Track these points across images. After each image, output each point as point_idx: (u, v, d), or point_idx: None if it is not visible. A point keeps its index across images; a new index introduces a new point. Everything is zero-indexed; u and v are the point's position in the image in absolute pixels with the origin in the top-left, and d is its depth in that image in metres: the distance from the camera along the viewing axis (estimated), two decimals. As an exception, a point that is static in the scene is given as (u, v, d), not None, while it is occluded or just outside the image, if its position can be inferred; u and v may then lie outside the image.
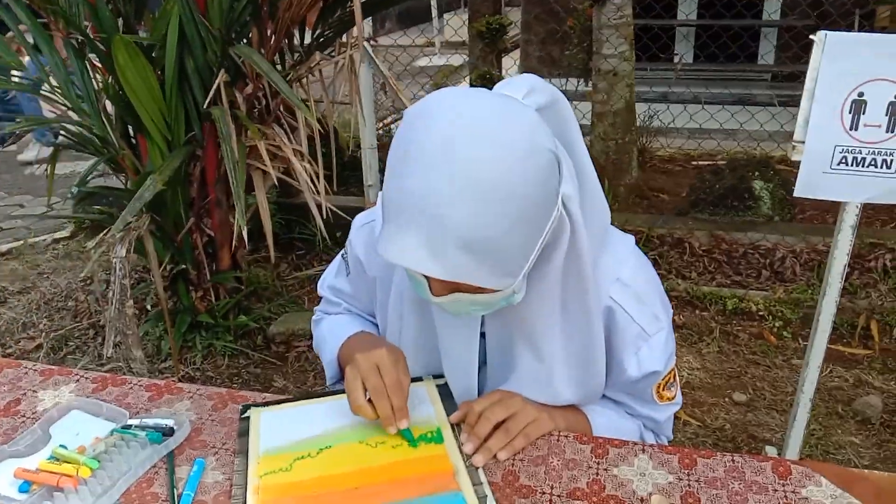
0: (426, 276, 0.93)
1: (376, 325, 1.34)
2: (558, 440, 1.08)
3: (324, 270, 1.40)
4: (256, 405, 1.19)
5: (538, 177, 0.84)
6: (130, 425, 1.15)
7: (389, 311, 1.22)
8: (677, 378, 1.20)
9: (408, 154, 0.84)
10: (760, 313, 3.32)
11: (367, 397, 1.07)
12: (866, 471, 1.00)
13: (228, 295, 3.08)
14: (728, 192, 3.62)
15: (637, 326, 1.09)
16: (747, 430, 2.63)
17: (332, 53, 3.00)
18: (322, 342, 1.35)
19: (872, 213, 3.90)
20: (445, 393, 1.19)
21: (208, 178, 2.86)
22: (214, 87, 2.42)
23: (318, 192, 2.92)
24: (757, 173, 3.63)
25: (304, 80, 2.97)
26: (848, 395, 2.79)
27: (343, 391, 1.17)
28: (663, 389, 1.17)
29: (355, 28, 2.73)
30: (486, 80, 5.07)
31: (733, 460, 1.02)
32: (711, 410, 2.75)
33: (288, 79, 2.78)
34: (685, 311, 3.39)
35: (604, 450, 1.05)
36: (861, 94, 1.72)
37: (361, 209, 3.92)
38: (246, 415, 1.17)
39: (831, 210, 4.06)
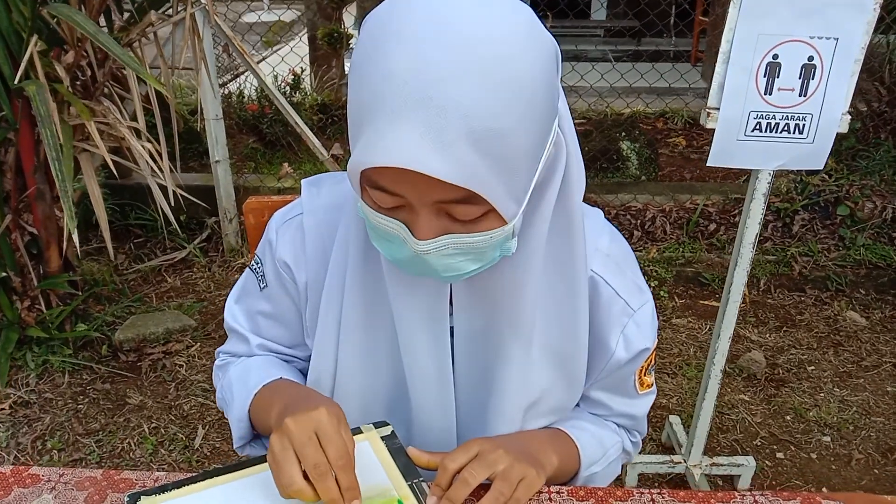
0: (407, 222, 0.74)
1: (299, 371, 1.08)
2: (550, 499, 0.88)
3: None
4: (148, 493, 0.90)
5: (544, 65, 0.70)
6: (-32, 544, 0.83)
7: (323, 317, 0.97)
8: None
9: (389, 33, 0.67)
10: (636, 274, 3.32)
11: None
12: (890, 497, 0.88)
13: (62, 301, 2.62)
14: (598, 153, 3.57)
15: (621, 301, 0.95)
16: (643, 399, 2.60)
17: (169, 12, 2.57)
18: (228, 394, 1.05)
19: (739, 169, 4.01)
20: (395, 447, 0.95)
21: (25, 167, 2.38)
22: (27, 56, 1.96)
23: (162, 173, 2.53)
24: (624, 133, 3.60)
25: (137, 45, 2.53)
26: (731, 353, 2.82)
27: (261, 460, 0.92)
28: (645, 374, 1.03)
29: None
30: (335, 38, 4.72)
31: (756, 501, 0.87)
32: (605, 381, 2.70)
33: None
34: (564, 278, 3.33)
35: (608, 506, 0.87)
36: (776, 57, 1.65)
37: (208, 187, 3.53)
38: (137, 509, 0.88)
39: (687, 167, 4.15)
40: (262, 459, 0.93)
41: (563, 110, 0.80)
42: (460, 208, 0.71)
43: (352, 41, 5.12)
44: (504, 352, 0.91)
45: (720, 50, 1.66)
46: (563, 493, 0.89)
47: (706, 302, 3.20)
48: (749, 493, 0.88)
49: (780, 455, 2.36)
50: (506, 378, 0.93)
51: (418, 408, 0.98)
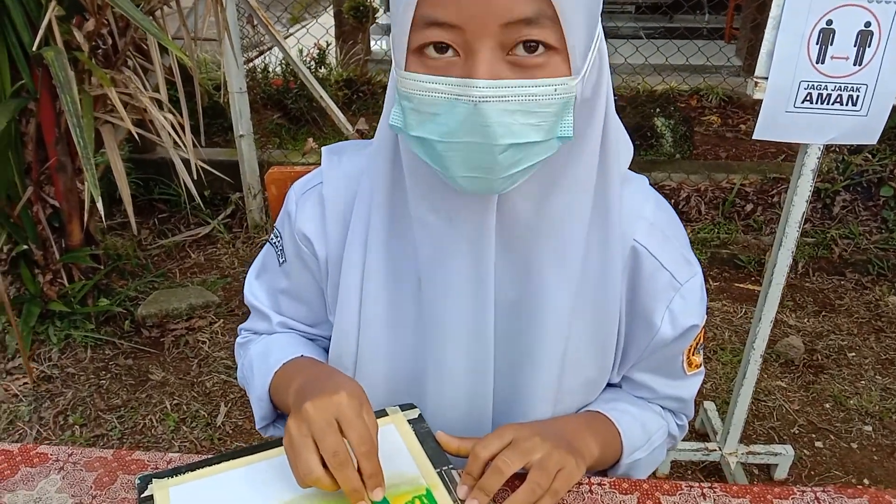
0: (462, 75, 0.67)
1: (322, 348, 1.02)
2: (591, 491, 0.81)
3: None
4: (160, 475, 0.84)
5: None
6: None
7: (344, 285, 0.90)
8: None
9: None
10: (668, 255, 3.22)
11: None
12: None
13: (84, 276, 2.59)
14: (632, 130, 3.46)
15: (667, 273, 0.87)
16: (676, 383, 2.51)
17: (192, -19, 2.51)
18: (249, 373, 1.00)
19: (775, 146, 3.89)
20: (422, 431, 0.89)
21: (46, 138, 2.34)
22: (45, 22, 1.91)
23: (185, 146, 2.48)
24: (658, 110, 3.48)
25: (160, 13, 2.47)
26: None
27: (280, 443, 0.86)
28: (693, 354, 0.96)
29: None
30: (360, 11, 4.63)
31: (818, 498, 0.79)
32: (636, 364, 2.62)
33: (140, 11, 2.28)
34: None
35: (654, 500, 0.80)
36: (829, 23, 1.54)
37: (232, 162, 3.48)
38: (147, 493, 0.82)
39: (722, 146, 4.03)
40: (280, 442, 0.87)
41: (602, 45, 0.75)
42: (525, 31, 0.65)
43: (378, 15, 5.03)
44: (541, 314, 0.85)
45: (770, 15, 1.56)
46: (605, 484, 0.82)
47: (742, 285, 3.09)
48: (810, 489, 0.80)
49: (818, 444, 2.26)
50: (543, 345, 0.86)
51: (447, 376, 0.91)
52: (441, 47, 0.67)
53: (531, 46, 0.66)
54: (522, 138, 0.69)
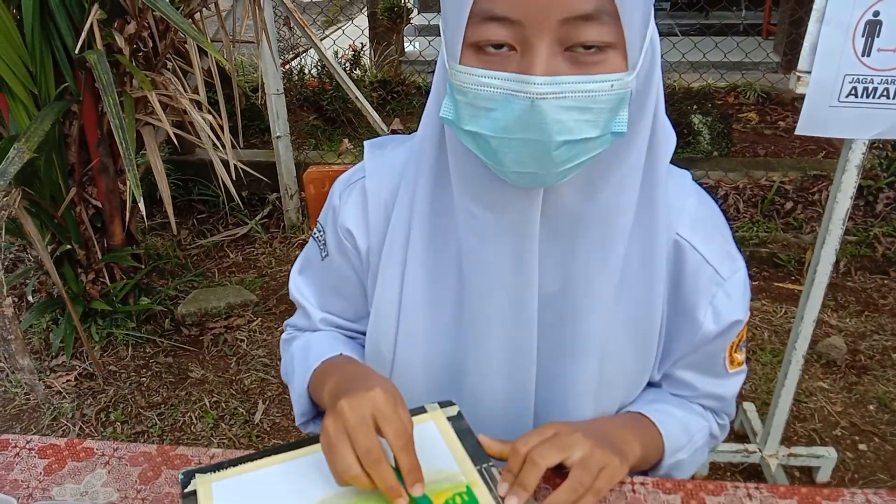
0: (518, 71, 0.66)
1: (361, 346, 1.02)
2: (634, 490, 0.80)
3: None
4: (203, 470, 0.85)
5: None
6: (21, 518, 0.80)
7: (383, 276, 0.91)
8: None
9: None
10: (706, 254, 3.17)
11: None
12: None
13: (125, 275, 2.63)
14: (668, 127, 3.42)
15: (710, 268, 0.86)
16: (714, 384, 2.48)
17: (230, -17, 2.54)
18: (290, 369, 1.01)
19: (815, 143, 3.82)
20: (462, 428, 0.88)
21: (89, 139, 2.39)
22: (87, 25, 1.95)
23: (224, 147, 2.51)
24: (696, 107, 3.44)
25: (199, 16, 2.50)
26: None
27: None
28: (735, 351, 0.94)
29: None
30: (395, 12, 4.65)
31: (869, 501, 0.77)
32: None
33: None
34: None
35: (699, 500, 0.78)
36: (877, 14, 1.51)
37: (269, 163, 3.52)
38: (190, 487, 0.83)
39: (761, 143, 3.96)
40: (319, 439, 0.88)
41: (654, 35, 0.74)
42: (584, 30, 0.64)
43: (412, 16, 5.04)
44: (583, 304, 0.84)
45: (814, 7, 1.53)
46: (648, 484, 0.81)
47: (781, 284, 3.04)
48: (860, 491, 0.78)
49: (862, 447, 2.21)
50: (584, 335, 0.86)
51: (488, 366, 0.91)
52: (498, 43, 0.67)
53: (589, 44, 0.66)
54: (578, 135, 0.68)
